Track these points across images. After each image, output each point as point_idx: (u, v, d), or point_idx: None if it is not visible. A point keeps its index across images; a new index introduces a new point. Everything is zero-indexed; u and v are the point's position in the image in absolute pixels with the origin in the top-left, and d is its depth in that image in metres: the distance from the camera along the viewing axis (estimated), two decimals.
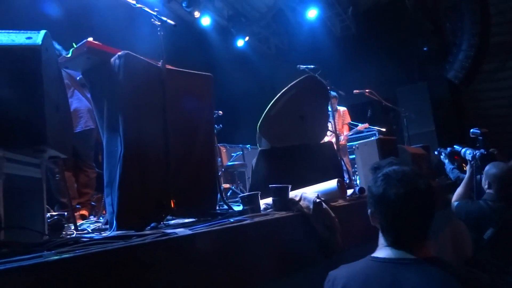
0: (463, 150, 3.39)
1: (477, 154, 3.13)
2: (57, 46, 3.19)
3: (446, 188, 4.21)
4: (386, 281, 1.20)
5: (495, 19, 8.58)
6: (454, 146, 3.64)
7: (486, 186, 2.88)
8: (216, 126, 5.09)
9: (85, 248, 1.21)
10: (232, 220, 1.81)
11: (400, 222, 1.25)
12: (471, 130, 3.35)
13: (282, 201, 2.18)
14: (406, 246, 1.25)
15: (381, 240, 1.32)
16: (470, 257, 3.13)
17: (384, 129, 6.72)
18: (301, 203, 2.11)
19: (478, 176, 3.12)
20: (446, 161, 4.23)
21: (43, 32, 1.62)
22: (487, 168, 2.89)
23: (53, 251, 1.20)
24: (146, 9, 2.46)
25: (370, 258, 1.31)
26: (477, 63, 8.03)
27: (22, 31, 1.59)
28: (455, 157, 4.15)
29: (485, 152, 3.12)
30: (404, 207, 1.23)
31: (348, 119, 6.23)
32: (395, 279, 1.19)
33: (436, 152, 4.56)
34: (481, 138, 3.26)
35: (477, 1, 7.64)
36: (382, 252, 1.30)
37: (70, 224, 2.35)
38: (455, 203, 3.09)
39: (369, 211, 1.35)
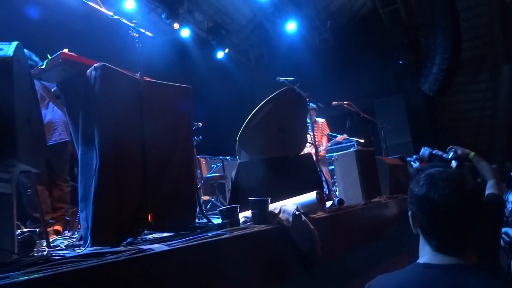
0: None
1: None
2: (35, 58, 3.11)
3: None
4: None
5: (466, 34, 8.94)
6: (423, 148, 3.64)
7: None
8: (195, 137, 5.05)
9: (55, 267, 1.16)
10: (210, 234, 1.78)
11: (445, 224, 1.19)
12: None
13: (262, 214, 2.16)
14: (451, 252, 1.20)
15: (425, 246, 1.26)
16: None
17: (362, 140, 6.82)
18: (280, 215, 2.10)
19: None
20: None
21: (14, 43, 1.57)
22: None
23: (21, 271, 1.14)
24: (124, 20, 2.44)
25: (420, 266, 1.22)
26: (450, 76, 8.33)
27: None
28: (421, 163, 4.17)
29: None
30: (448, 208, 1.16)
31: (327, 130, 6.31)
32: (456, 286, 1.13)
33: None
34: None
35: (449, 17, 7.96)
36: (430, 258, 1.22)
37: (43, 241, 2.26)
38: None
39: (409, 212, 1.27)
